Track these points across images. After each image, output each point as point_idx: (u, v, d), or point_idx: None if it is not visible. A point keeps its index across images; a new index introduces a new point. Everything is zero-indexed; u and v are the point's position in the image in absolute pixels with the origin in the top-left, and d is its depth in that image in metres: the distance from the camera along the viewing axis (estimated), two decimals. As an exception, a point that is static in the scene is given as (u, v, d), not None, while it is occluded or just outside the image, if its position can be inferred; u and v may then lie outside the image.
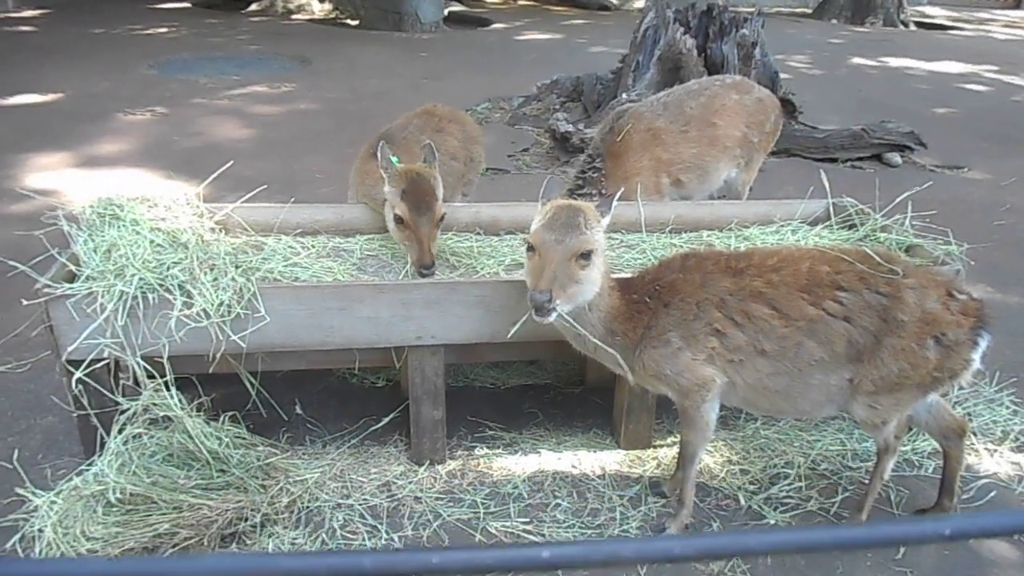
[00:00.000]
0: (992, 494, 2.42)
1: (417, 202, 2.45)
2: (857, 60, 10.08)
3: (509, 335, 2.20)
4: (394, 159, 2.53)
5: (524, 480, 2.44)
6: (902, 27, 13.49)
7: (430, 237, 2.47)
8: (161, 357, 2.13)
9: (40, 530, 1.96)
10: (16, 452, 2.41)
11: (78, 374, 2.11)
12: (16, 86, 7.00)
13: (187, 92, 7.21)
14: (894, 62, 10.05)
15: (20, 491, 2.09)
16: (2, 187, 4.64)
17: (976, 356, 2.01)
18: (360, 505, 2.29)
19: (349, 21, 11.98)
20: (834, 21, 13.72)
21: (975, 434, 2.68)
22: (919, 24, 13.97)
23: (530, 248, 1.96)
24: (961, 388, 2.65)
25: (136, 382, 2.13)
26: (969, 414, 2.79)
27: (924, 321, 1.96)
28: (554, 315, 1.89)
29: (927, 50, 10.90)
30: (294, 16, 12.40)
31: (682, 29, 5.64)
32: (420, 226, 2.45)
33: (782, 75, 6.19)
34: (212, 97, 7.09)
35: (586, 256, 1.92)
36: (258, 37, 10.38)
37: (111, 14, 11.25)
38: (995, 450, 2.63)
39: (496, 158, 5.45)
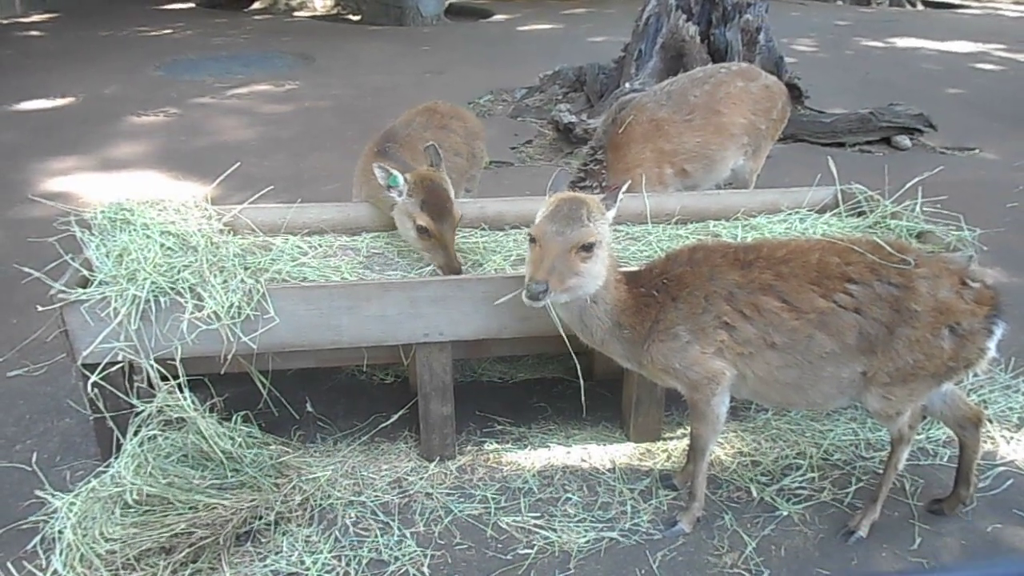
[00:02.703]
0: (1009, 482, 2.39)
1: (439, 211, 2.44)
2: (864, 42, 9.91)
3: (496, 302, 2.20)
4: (396, 175, 2.49)
5: (534, 474, 2.45)
6: (909, 7, 13.24)
7: (453, 242, 2.47)
8: (174, 359, 2.16)
9: (60, 531, 2.00)
10: (35, 455, 2.45)
11: (93, 377, 2.15)
12: (27, 91, 7.06)
13: (194, 92, 7.24)
14: (902, 43, 9.87)
15: (40, 493, 2.13)
16: (16, 193, 4.70)
17: (991, 344, 1.98)
18: (372, 502, 2.31)
19: (351, 16, 11.95)
20: (840, 2, 13.48)
21: (991, 421, 2.64)
22: (926, 3, 13.69)
23: (532, 239, 1.96)
24: (976, 376, 2.62)
25: (150, 384, 2.16)
26: (985, 401, 2.76)
27: (938, 311, 1.93)
28: (544, 301, 1.87)
29: (935, 29, 10.70)
30: (296, 13, 12.39)
31: (684, 16, 5.57)
32: (444, 233, 2.45)
33: (787, 59, 6.11)
34: (219, 97, 7.12)
35: (587, 248, 1.91)
36: (262, 35, 10.39)
37: (117, 16, 11.30)
38: (1012, 437, 2.60)
39: (499, 150, 5.43)
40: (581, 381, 2.34)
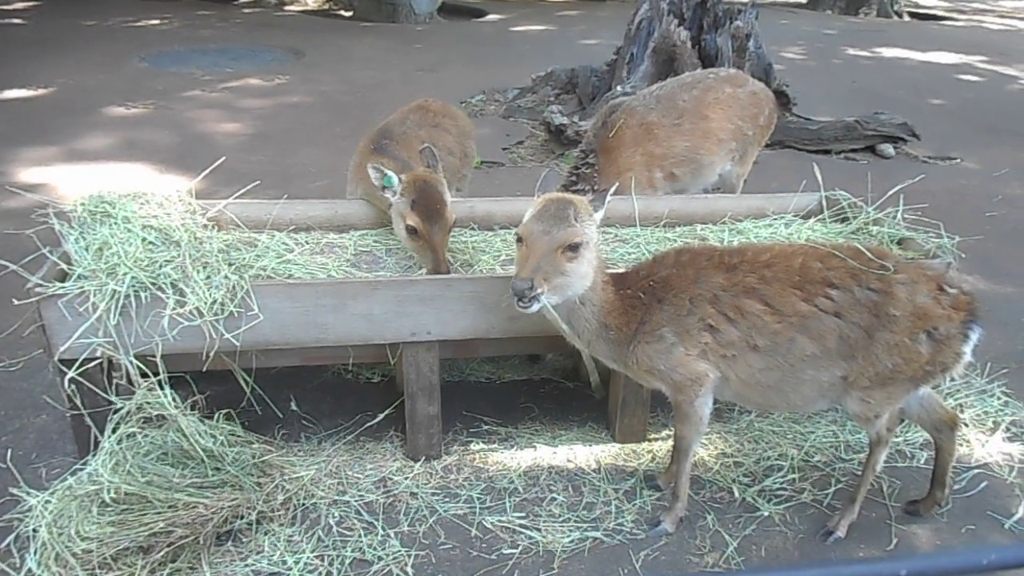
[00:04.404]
0: (983, 484, 2.44)
1: (429, 211, 2.43)
2: (851, 51, 10.06)
3: (503, 304, 2.20)
4: (390, 175, 2.48)
5: (520, 475, 2.45)
6: (896, 17, 13.47)
7: (443, 245, 2.46)
8: (154, 356, 2.12)
9: (34, 530, 1.96)
10: (9, 452, 2.40)
11: (71, 373, 2.11)
12: (6, 80, 6.91)
13: (180, 85, 7.14)
14: (888, 53, 10.04)
15: (14, 491, 2.08)
16: (-8, 184, 4.60)
17: (967, 349, 2.02)
18: (356, 501, 2.30)
19: (342, 12, 11.88)
20: (828, 12, 13.68)
21: (967, 425, 2.70)
22: (913, 14, 13.95)
23: (519, 239, 1.96)
24: (952, 380, 2.67)
25: (129, 381, 2.13)
26: (961, 405, 2.81)
27: (916, 316, 1.97)
28: (536, 306, 1.88)
29: (921, 41, 10.89)
30: (287, 7, 12.28)
31: (676, 21, 5.62)
32: (434, 235, 2.43)
33: (776, 66, 6.19)
34: (205, 90, 7.03)
35: (573, 248, 1.91)
36: (251, 29, 10.28)
37: (102, 5, 11.11)
38: (986, 440, 2.66)
39: (491, 151, 5.43)
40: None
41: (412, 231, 2.45)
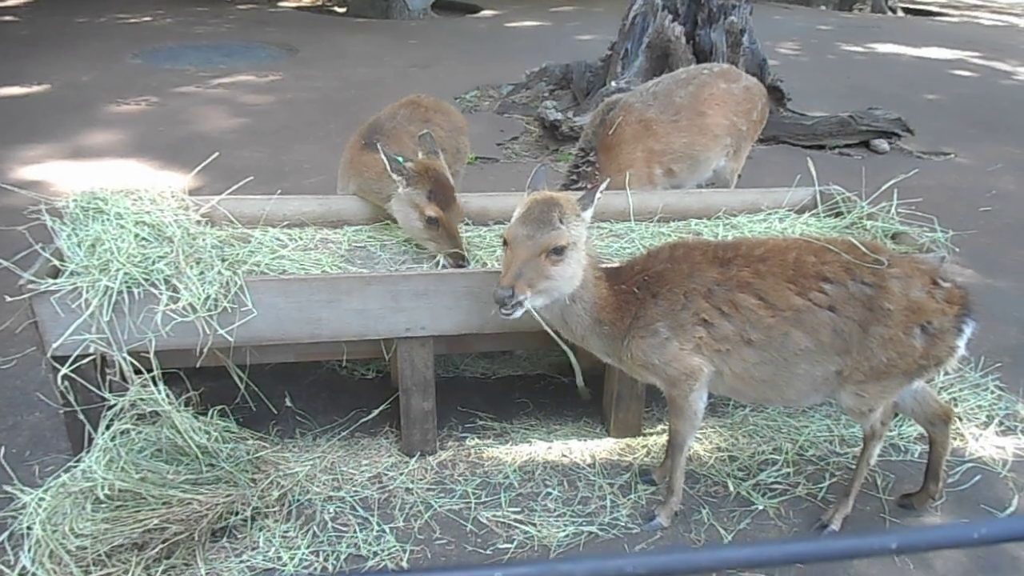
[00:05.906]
0: (977, 478, 2.46)
1: (447, 200, 2.43)
2: (845, 47, 10.08)
3: (492, 313, 2.21)
4: (399, 158, 2.47)
5: (515, 469, 2.45)
6: (890, 13, 13.50)
7: (459, 232, 2.47)
8: (147, 352, 2.12)
9: (29, 527, 1.95)
10: (3, 449, 2.39)
11: (64, 370, 2.10)
12: (0, 78, 6.87)
13: (174, 81, 7.10)
14: (882, 48, 10.05)
15: (8, 488, 2.07)
16: (-17, 181, 4.56)
17: (961, 343, 2.03)
18: (351, 497, 2.29)
19: (336, 8, 11.83)
20: (822, 7, 13.70)
21: (960, 418, 2.71)
22: (907, 10, 13.98)
23: (504, 243, 1.95)
24: (946, 374, 2.69)
25: (123, 378, 2.12)
26: (955, 399, 2.83)
27: (910, 310, 1.97)
28: (519, 312, 1.88)
29: (915, 36, 10.91)
30: (280, 3, 12.22)
31: (671, 16, 5.61)
32: (452, 222, 2.44)
33: (770, 62, 6.18)
34: (199, 87, 6.99)
35: (558, 252, 1.90)
36: (245, 25, 10.22)
37: (94, 2, 11.03)
38: (980, 434, 2.67)
39: (485, 146, 5.42)
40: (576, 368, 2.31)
41: (432, 221, 2.44)
